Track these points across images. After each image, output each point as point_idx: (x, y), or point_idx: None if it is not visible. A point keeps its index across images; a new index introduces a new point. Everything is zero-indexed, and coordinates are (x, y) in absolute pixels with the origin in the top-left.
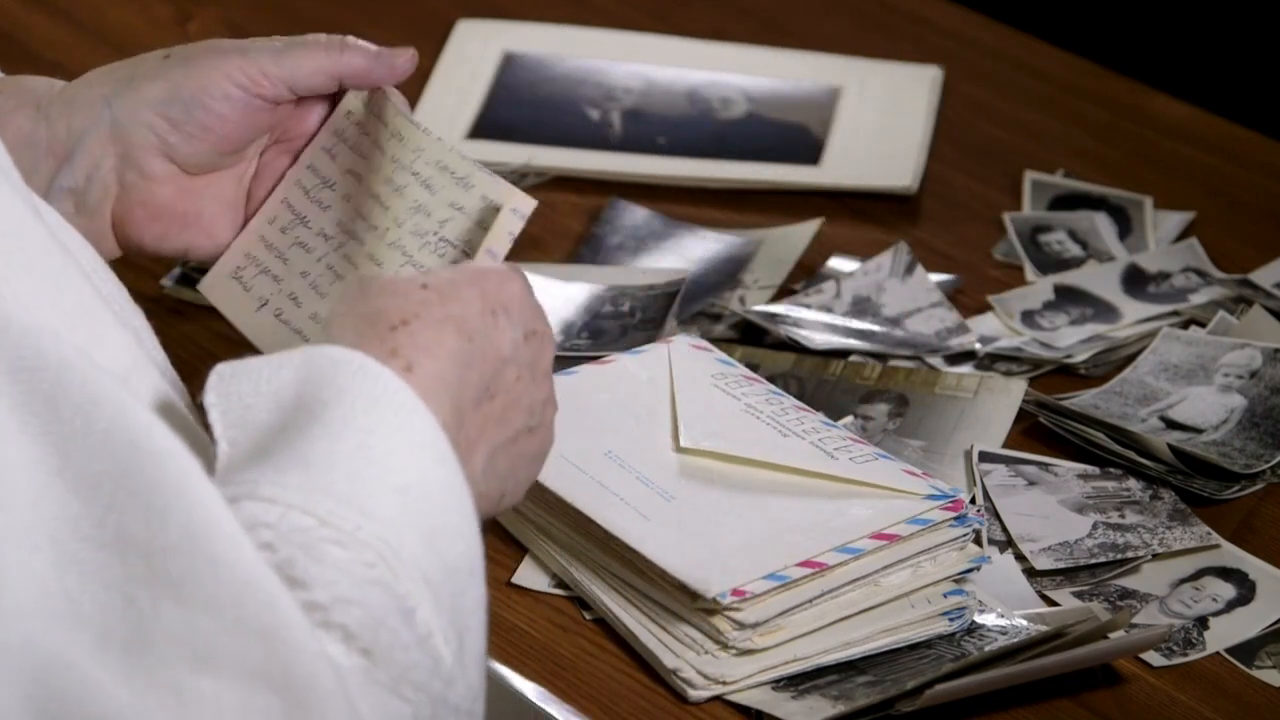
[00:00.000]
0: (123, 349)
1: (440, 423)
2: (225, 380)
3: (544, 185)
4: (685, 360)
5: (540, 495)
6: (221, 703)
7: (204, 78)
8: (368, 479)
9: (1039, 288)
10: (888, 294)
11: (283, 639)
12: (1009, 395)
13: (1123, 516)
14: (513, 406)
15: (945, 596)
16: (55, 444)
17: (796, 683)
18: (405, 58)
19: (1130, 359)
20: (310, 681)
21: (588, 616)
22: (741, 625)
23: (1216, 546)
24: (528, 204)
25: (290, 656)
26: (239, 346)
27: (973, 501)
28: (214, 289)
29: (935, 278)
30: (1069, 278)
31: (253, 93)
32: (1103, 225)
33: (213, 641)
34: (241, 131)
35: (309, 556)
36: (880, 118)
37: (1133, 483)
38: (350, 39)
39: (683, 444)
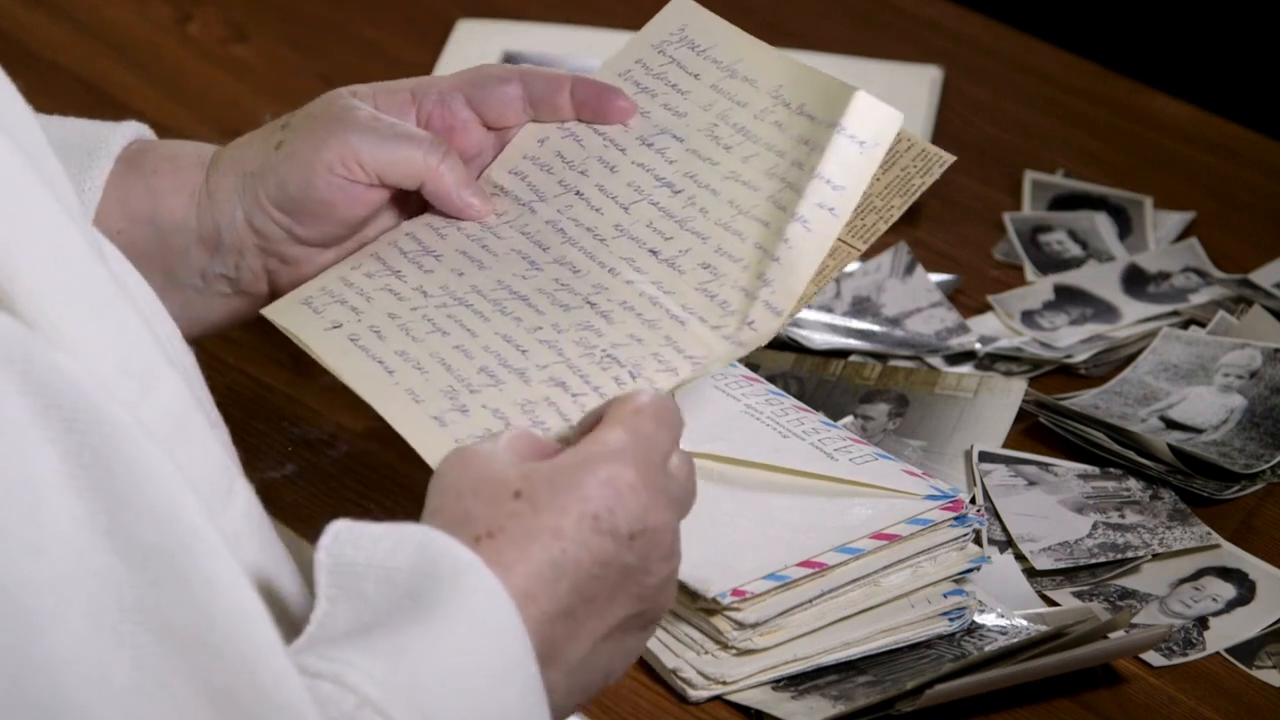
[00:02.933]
0: (174, 393)
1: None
2: (341, 542)
3: None
4: None
5: None
6: None
7: (306, 171)
8: (464, 714)
9: (1039, 288)
10: (888, 294)
11: None
12: (1009, 395)
13: (1123, 516)
14: (614, 602)
15: (945, 596)
16: (105, 503)
17: (796, 683)
18: (484, 210)
19: (1130, 359)
20: None
21: None
22: (741, 625)
23: (1216, 546)
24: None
25: None
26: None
27: (973, 501)
28: (281, 313)
29: (935, 278)
30: (1069, 278)
31: (350, 179)
32: (1103, 225)
33: None
34: (357, 210)
35: None
36: None
37: (1133, 483)
38: (451, 153)
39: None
